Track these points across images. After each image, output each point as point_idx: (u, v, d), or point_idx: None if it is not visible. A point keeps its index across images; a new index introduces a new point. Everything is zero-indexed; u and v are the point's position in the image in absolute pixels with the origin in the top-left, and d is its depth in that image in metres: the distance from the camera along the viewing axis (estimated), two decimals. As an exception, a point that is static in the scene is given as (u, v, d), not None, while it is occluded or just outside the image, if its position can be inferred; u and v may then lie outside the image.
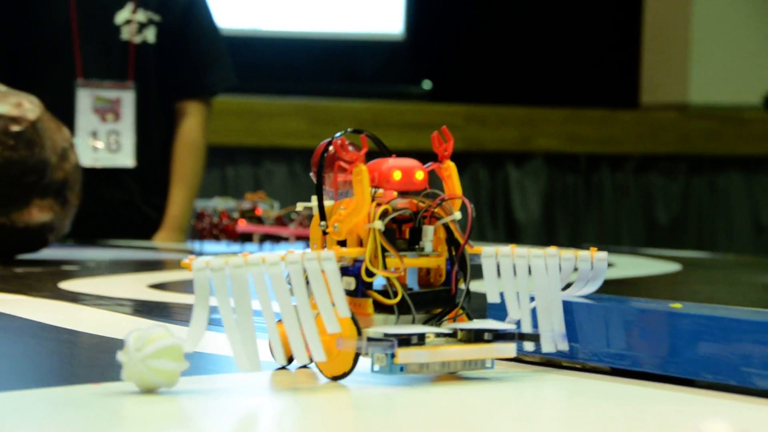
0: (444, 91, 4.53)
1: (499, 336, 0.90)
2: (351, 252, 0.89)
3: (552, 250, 0.96)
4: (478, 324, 0.90)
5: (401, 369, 0.86)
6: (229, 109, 4.03)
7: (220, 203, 2.15)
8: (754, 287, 2.01)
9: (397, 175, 0.90)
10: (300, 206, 0.96)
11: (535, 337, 0.93)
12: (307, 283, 0.86)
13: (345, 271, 0.89)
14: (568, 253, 0.96)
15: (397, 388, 0.87)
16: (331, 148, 0.91)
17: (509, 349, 0.90)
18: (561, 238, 4.25)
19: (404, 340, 0.86)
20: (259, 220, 2.11)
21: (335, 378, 0.89)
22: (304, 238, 2.09)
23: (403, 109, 4.30)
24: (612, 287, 1.73)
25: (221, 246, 2.13)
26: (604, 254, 0.98)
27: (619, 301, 1.00)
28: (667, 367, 0.98)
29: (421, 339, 0.87)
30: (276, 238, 2.09)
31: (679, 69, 4.76)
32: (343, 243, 0.90)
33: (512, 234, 4.26)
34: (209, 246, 2.15)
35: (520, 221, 4.33)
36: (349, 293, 0.88)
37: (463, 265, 0.91)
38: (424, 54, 4.58)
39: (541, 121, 4.34)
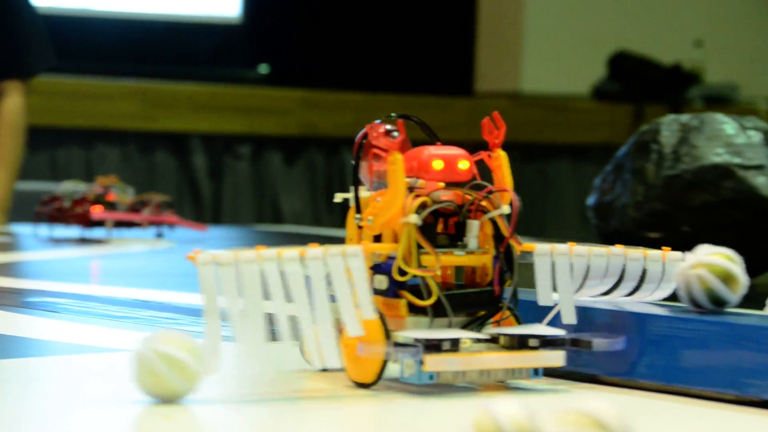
0: (281, 75, 4.53)
1: (547, 342, 0.81)
2: (383, 248, 0.80)
3: (616, 249, 0.89)
4: (522, 329, 0.82)
5: (431, 377, 0.78)
6: (61, 90, 3.97)
7: (69, 187, 2.10)
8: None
9: (438, 165, 0.82)
10: (338, 197, 0.87)
11: (588, 344, 0.83)
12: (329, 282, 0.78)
13: (377, 269, 0.80)
14: (636, 253, 0.90)
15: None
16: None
17: (557, 357, 0.82)
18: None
19: (434, 346, 0.77)
20: (112, 206, 2.06)
21: (362, 385, 0.81)
22: (158, 224, 2.07)
23: (240, 92, 4.28)
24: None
25: (73, 231, 2.08)
26: (678, 254, 0.91)
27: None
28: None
29: (454, 345, 0.78)
30: (130, 225, 2.06)
31: (512, 58, 4.84)
32: (378, 238, 0.82)
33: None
34: (60, 231, 2.10)
35: (356, 206, 4.35)
36: (380, 293, 0.80)
37: (510, 263, 0.82)
38: (261, 38, 4.57)
39: (377, 107, 4.36)
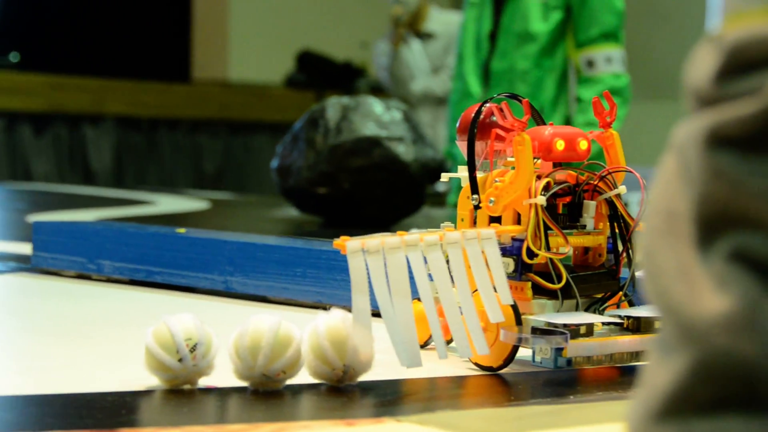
0: (30, 62, 4.36)
1: None
2: (512, 230, 0.65)
3: None
4: (645, 311, 0.66)
5: (568, 362, 0.65)
6: None
7: None
8: (258, 219, 2.07)
9: (560, 145, 0.67)
10: (445, 177, 0.71)
11: None
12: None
13: (503, 252, 0.65)
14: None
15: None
16: (487, 113, 0.68)
17: None
18: (128, 183, 4.20)
19: (574, 332, 0.64)
20: None
21: (489, 369, 0.66)
22: None
23: (-5, 77, 4.10)
24: (154, 220, 1.75)
25: None
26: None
27: (137, 227, 1.02)
28: (170, 278, 1.00)
29: (589, 329, 0.64)
30: None
31: (222, 52, 4.81)
32: (496, 219, 0.67)
33: (88, 180, 4.18)
34: None
35: (96, 170, 4.25)
36: (507, 276, 0.65)
37: (629, 245, 0.67)
38: (11, 30, 4.39)
39: (111, 90, 4.27)
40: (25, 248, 1.24)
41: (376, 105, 1.65)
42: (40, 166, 4.14)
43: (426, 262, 0.62)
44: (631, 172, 0.67)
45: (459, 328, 0.62)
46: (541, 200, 0.64)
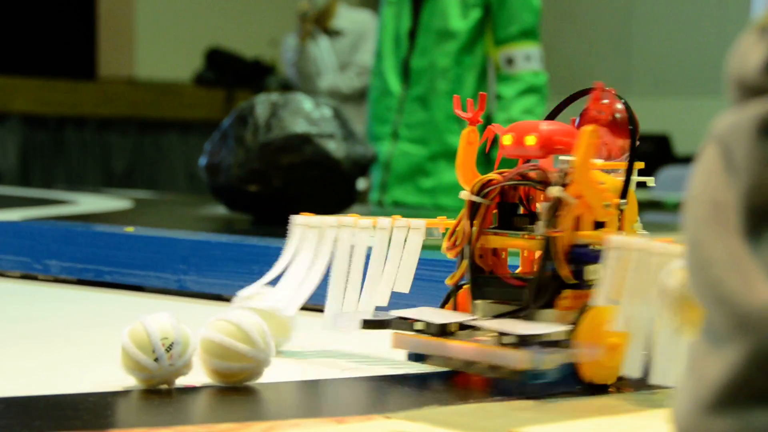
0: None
1: (523, 342, 0.59)
2: (437, 223, 0.67)
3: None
4: (525, 326, 0.60)
5: (417, 357, 0.63)
6: None
7: None
8: (187, 217, 2.05)
9: (508, 139, 0.63)
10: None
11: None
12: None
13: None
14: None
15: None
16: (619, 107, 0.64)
17: (518, 359, 0.59)
18: (35, 182, 4.11)
19: (403, 325, 0.63)
20: None
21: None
22: None
23: None
24: (80, 219, 1.71)
25: None
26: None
27: (84, 226, 1.00)
28: (120, 277, 0.99)
29: (436, 328, 0.61)
30: None
31: (128, 50, 4.75)
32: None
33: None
34: None
35: (1, 169, 4.16)
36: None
37: (548, 254, 0.61)
38: None
39: (17, 88, 4.17)
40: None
41: (305, 102, 1.64)
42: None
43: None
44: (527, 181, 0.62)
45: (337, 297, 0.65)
46: (465, 195, 0.63)
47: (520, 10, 2.25)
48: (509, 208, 0.63)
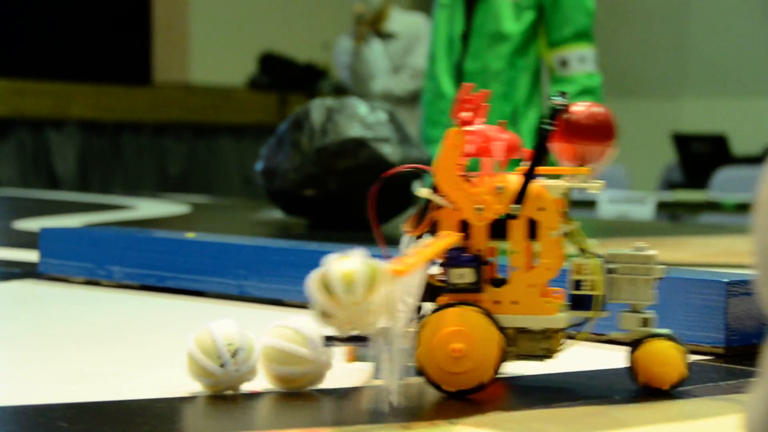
0: (-9, 68, 4.32)
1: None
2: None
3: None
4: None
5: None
6: None
7: None
8: (244, 221, 2.08)
9: (470, 145, 0.62)
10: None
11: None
12: None
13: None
14: None
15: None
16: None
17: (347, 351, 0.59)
18: (94, 187, 4.17)
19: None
20: None
21: None
22: None
23: (-43, 82, 4.06)
24: (140, 225, 1.74)
25: None
26: None
27: (147, 232, 1.01)
28: (182, 282, 0.99)
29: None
30: None
31: (183, 55, 4.79)
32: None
33: (52, 185, 4.14)
34: None
35: (60, 175, 4.21)
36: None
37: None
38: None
39: (74, 94, 4.23)
40: (22, 254, 1.23)
41: (361, 106, 1.65)
42: (4, 172, 4.09)
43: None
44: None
45: None
46: (423, 192, 0.61)
47: (573, 12, 2.24)
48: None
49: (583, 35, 2.27)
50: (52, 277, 1.04)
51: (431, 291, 0.59)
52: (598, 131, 0.60)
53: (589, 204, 2.78)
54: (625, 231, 1.96)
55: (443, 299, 0.59)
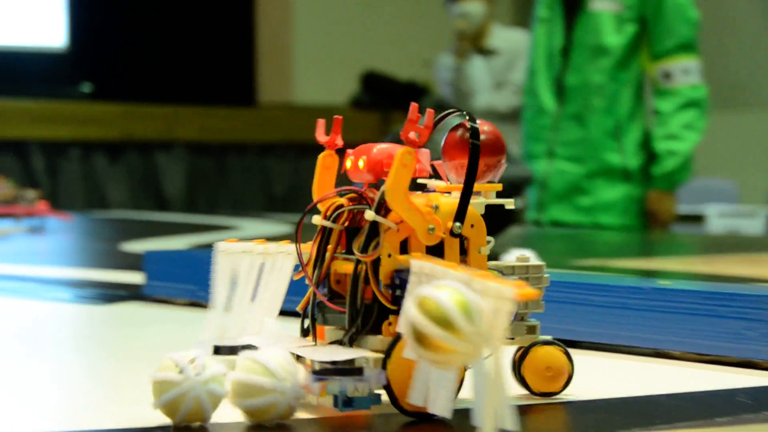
0: (102, 91, 4.43)
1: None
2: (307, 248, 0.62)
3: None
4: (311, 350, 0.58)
5: None
6: None
7: None
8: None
9: (349, 162, 0.63)
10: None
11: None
12: None
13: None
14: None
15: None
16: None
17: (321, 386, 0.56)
18: (201, 208, 4.24)
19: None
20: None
21: None
22: (32, 215, 1.94)
23: (69, 107, 4.17)
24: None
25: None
26: None
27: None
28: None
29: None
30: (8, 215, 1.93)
31: (286, 76, 4.85)
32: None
33: (161, 206, 4.22)
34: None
35: (169, 196, 4.30)
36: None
37: (357, 279, 0.58)
38: (83, 62, 4.47)
39: (181, 116, 4.31)
40: (129, 277, 1.25)
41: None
42: (115, 194, 4.19)
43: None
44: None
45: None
46: (316, 219, 0.60)
47: (676, 23, 2.21)
48: (353, 232, 0.60)
49: (686, 46, 2.24)
50: (157, 300, 1.05)
51: (380, 311, 0.58)
52: (497, 146, 0.61)
53: (697, 219, 2.73)
54: (735, 247, 1.92)
55: (393, 319, 0.57)
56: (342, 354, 0.56)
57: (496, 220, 1.62)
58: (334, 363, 0.56)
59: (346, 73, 4.74)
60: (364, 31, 4.95)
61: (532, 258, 0.63)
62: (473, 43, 3.30)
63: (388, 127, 4.33)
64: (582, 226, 2.36)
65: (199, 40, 4.72)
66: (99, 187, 4.18)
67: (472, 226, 0.59)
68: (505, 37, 3.34)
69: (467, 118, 0.61)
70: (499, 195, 0.60)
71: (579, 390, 0.66)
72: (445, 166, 0.61)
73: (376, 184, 0.61)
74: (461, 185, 0.59)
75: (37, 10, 4.35)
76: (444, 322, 0.49)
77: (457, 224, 0.58)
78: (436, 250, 0.58)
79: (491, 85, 3.31)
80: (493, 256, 0.62)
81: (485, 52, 3.32)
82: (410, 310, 0.49)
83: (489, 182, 0.60)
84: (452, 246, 0.59)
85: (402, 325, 0.51)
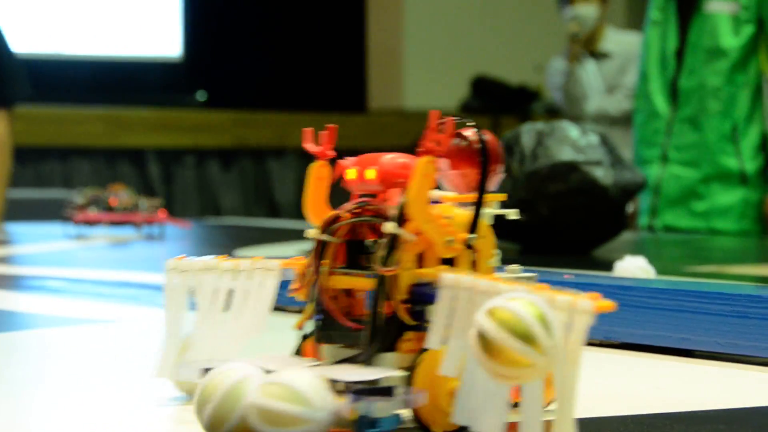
0: (216, 100, 4.51)
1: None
2: (294, 263, 0.58)
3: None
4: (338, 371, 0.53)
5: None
6: (41, 116, 3.91)
7: (88, 193, 1.95)
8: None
9: (352, 173, 0.61)
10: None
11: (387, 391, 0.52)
12: None
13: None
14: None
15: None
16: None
17: (347, 407, 0.53)
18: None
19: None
20: (110, 209, 1.94)
21: None
22: (151, 223, 1.96)
23: (184, 115, 4.26)
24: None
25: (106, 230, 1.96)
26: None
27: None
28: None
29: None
30: (127, 223, 1.96)
31: (396, 82, 4.86)
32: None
33: (273, 212, 4.28)
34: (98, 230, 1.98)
35: (280, 203, 4.35)
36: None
37: (381, 294, 0.54)
38: (198, 71, 4.55)
39: (293, 123, 4.36)
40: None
41: (571, 129, 1.63)
42: (228, 201, 4.26)
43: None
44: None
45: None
46: (312, 233, 0.57)
47: (796, 24, 2.15)
48: (356, 246, 0.57)
49: (806, 47, 2.17)
50: (279, 308, 1.06)
51: (397, 327, 0.54)
52: (499, 155, 0.58)
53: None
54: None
55: (411, 335, 0.54)
56: (369, 374, 0.52)
57: (608, 225, 1.60)
58: (370, 383, 0.51)
59: (457, 78, 4.73)
60: (474, 35, 4.94)
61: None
62: (586, 46, 3.26)
63: (497, 132, 4.30)
64: (697, 231, 2.31)
65: (311, 48, 4.76)
66: (212, 194, 4.26)
67: (482, 237, 0.56)
68: (618, 40, 3.30)
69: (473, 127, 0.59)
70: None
71: (696, 400, 0.64)
72: (445, 175, 0.59)
73: (370, 195, 0.58)
74: (465, 195, 0.57)
75: (153, 22, 4.46)
76: (524, 335, 0.45)
77: (472, 236, 0.56)
78: (446, 263, 0.55)
79: (603, 89, 3.27)
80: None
81: (598, 55, 3.28)
82: (484, 323, 0.46)
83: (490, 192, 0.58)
84: (465, 258, 0.56)
85: (469, 338, 0.47)
